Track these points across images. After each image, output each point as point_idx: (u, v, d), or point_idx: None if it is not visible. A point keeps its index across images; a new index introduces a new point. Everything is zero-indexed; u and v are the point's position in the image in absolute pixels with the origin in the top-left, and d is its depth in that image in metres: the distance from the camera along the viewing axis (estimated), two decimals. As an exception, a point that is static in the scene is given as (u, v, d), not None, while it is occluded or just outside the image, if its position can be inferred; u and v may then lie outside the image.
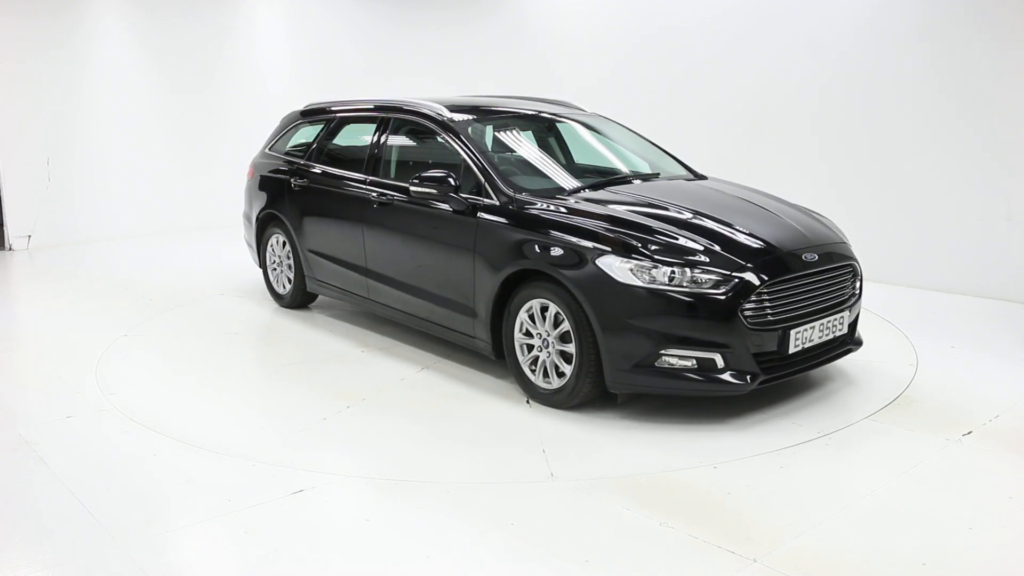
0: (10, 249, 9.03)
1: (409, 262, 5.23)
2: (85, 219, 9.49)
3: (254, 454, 3.95)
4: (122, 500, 3.53)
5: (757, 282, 4.06)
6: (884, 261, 7.13)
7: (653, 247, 4.14)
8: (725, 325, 4.00)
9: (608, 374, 4.17)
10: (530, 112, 5.68)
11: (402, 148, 5.66)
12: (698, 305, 4.00)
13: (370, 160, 5.66)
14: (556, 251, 4.30)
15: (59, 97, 9.17)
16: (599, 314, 4.12)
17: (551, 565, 3.02)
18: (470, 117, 5.34)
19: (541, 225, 4.44)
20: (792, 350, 4.19)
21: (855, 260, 4.60)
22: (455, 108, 5.43)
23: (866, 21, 7.06)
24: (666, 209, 4.53)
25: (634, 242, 4.17)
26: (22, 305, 7.14)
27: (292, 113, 6.81)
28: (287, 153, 6.53)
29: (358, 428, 4.30)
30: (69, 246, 9.24)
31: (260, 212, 6.58)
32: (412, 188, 5.00)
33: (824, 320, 4.33)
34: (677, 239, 4.21)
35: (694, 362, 4.04)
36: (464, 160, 4.96)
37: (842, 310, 4.44)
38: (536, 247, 4.39)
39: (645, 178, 5.26)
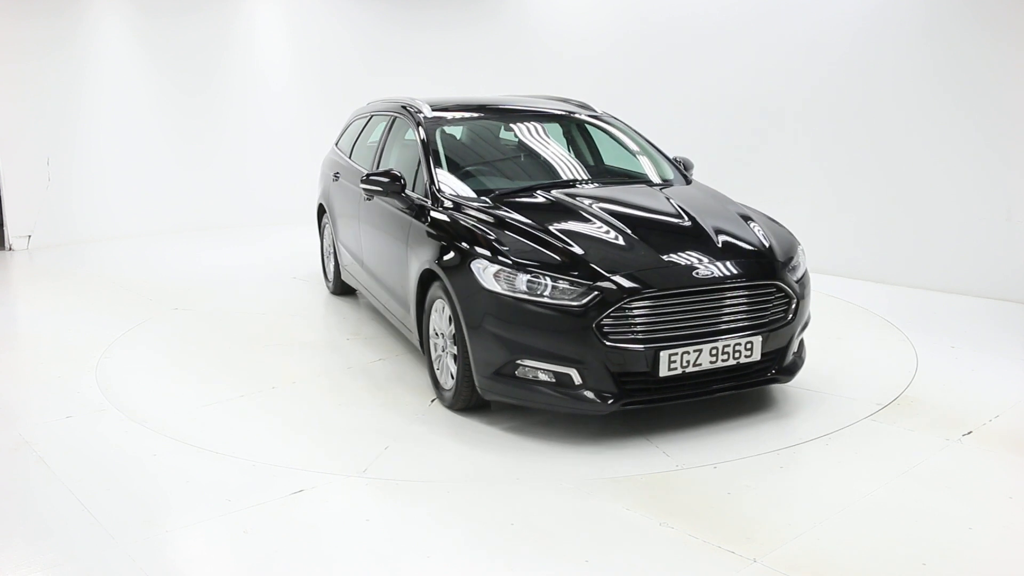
0: (10, 249, 9.02)
1: (381, 257, 5.39)
2: (85, 219, 9.49)
3: (254, 454, 3.95)
4: (122, 500, 3.53)
5: (618, 296, 3.80)
6: (884, 261, 7.14)
7: (518, 253, 4.03)
8: (579, 340, 3.79)
9: (476, 379, 4.11)
10: (524, 113, 5.64)
11: (398, 145, 5.70)
12: (552, 316, 3.82)
13: (374, 157, 5.88)
14: (445, 252, 4.31)
15: (59, 97, 9.17)
16: (467, 317, 4.06)
17: (551, 565, 3.02)
18: (452, 116, 5.42)
19: (443, 225, 4.48)
20: (666, 373, 3.85)
21: (782, 281, 4.13)
22: (442, 107, 5.51)
23: (866, 19, 7.06)
24: (577, 215, 4.39)
25: (502, 247, 4.08)
26: (22, 305, 7.14)
27: (355, 110, 7.07)
28: (340, 149, 6.84)
29: (253, 408, 4.55)
30: (69, 246, 9.24)
31: (318, 204, 7.08)
32: (361, 185, 5.14)
33: (719, 344, 3.93)
34: (552, 247, 4.05)
35: (552, 376, 3.89)
36: (419, 158, 5.09)
37: (750, 334, 4.01)
38: (433, 247, 4.43)
39: (603, 181, 5.12)
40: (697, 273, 3.95)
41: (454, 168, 5.09)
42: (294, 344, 5.67)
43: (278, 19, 10.70)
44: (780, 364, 4.22)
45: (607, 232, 4.22)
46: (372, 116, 6.37)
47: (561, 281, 3.87)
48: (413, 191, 5.00)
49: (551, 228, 4.22)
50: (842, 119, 7.32)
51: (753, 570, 2.96)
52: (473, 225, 4.34)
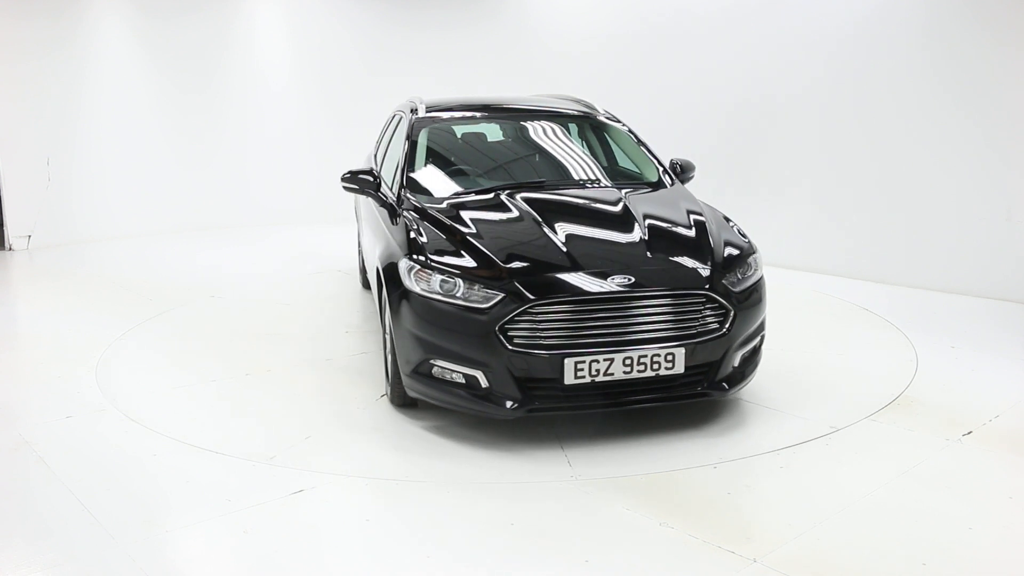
0: (10, 249, 9.02)
1: (366, 252, 5.55)
2: (85, 219, 9.49)
3: (254, 454, 3.95)
4: (122, 500, 3.53)
5: (522, 300, 3.76)
6: (885, 261, 7.14)
7: (438, 254, 4.08)
8: (483, 342, 3.78)
9: (402, 376, 4.16)
10: (521, 114, 5.61)
11: (398, 144, 5.72)
12: (461, 318, 3.84)
13: (383, 155, 5.98)
14: (388, 249, 4.40)
15: (59, 97, 9.16)
16: (393, 314, 4.16)
17: (551, 565, 3.02)
18: (444, 116, 5.49)
19: (395, 224, 4.58)
20: (572, 381, 3.76)
21: (714, 291, 3.95)
22: (440, 108, 5.58)
23: (866, 17, 7.06)
24: (518, 219, 4.37)
25: (426, 247, 4.15)
26: (22, 305, 7.14)
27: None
28: (376, 146, 6.96)
29: (209, 394, 4.77)
30: (69, 246, 9.24)
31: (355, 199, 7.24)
32: (342, 183, 5.19)
33: (633, 354, 3.79)
34: (474, 249, 4.06)
35: (462, 377, 3.90)
36: (399, 157, 5.20)
37: (671, 345, 3.85)
38: (386, 245, 4.52)
39: (573, 184, 5.03)
40: (613, 280, 3.86)
41: (430, 168, 5.15)
42: (290, 337, 5.74)
43: (278, 19, 10.70)
44: (712, 379, 4.02)
45: (537, 237, 4.19)
46: (395, 115, 6.44)
47: (471, 283, 3.89)
48: (391, 190, 5.07)
49: (482, 231, 4.24)
50: (842, 118, 7.32)
51: (753, 570, 2.96)
52: (414, 225, 4.42)
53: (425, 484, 3.65)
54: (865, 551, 3.07)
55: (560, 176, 5.20)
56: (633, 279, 3.88)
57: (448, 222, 4.38)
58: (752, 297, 4.16)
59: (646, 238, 4.21)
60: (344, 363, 5.20)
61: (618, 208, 4.57)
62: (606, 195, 4.82)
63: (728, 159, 8.11)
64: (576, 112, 5.73)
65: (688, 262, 4.09)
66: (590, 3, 9.27)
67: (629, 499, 3.47)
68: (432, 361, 3.95)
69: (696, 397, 4.05)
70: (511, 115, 5.64)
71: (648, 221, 4.38)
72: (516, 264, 3.95)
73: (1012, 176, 6.39)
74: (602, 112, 5.76)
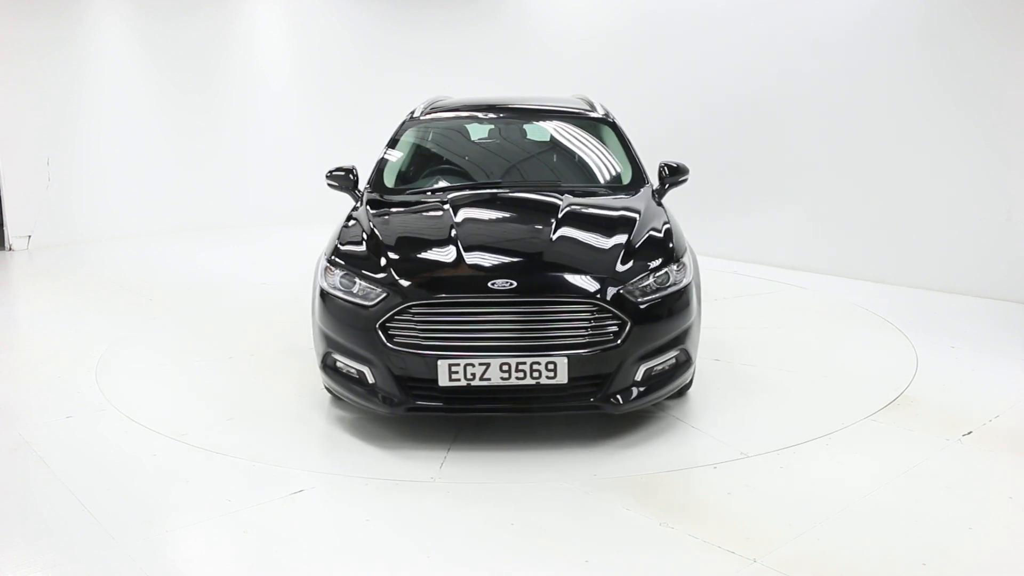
0: (10, 249, 9.02)
1: None
2: (85, 219, 9.49)
3: (254, 454, 3.95)
4: (122, 500, 3.53)
5: (402, 299, 3.78)
6: (885, 261, 7.14)
7: (344, 252, 4.20)
8: (366, 339, 3.84)
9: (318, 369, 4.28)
10: (519, 115, 5.56)
11: None
12: (351, 314, 3.93)
13: None
14: (328, 246, 4.49)
15: (59, 97, 9.17)
16: (312, 308, 4.28)
17: (551, 565, 3.02)
18: (439, 116, 5.51)
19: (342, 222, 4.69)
20: (447, 383, 3.71)
21: (602, 301, 3.74)
22: (441, 108, 5.58)
23: (865, 17, 7.07)
24: (439, 218, 4.39)
25: (339, 245, 4.27)
26: (22, 305, 7.14)
27: None
28: None
29: (183, 377, 5.02)
30: (69, 246, 9.24)
31: None
32: (326, 180, 5.24)
33: (511, 360, 3.67)
34: (379, 248, 4.12)
35: (356, 372, 3.97)
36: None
37: (553, 354, 3.69)
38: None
39: (534, 184, 4.99)
40: (495, 284, 3.77)
41: (401, 168, 5.22)
42: (287, 330, 5.78)
43: (278, 19, 10.70)
44: (604, 391, 3.80)
45: (442, 237, 4.17)
46: None
47: (364, 281, 3.97)
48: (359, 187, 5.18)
49: (393, 230, 4.36)
50: (841, 118, 7.32)
51: (753, 570, 2.96)
52: (347, 223, 4.53)
53: (426, 484, 3.65)
54: (865, 551, 3.07)
55: (524, 178, 5.19)
56: (516, 284, 3.77)
57: (370, 219, 4.46)
58: (667, 308, 3.92)
59: (552, 242, 4.07)
60: (310, 357, 5.19)
61: (546, 211, 4.41)
62: (548, 197, 4.66)
63: (728, 159, 8.11)
64: (572, 112, 5.62)
65: (586, 268, 3.90)
66: (590, 3, 9.27)
67: (629, 499, 3.47)
68: (333, 355, 4.06)
69: (584, 410, 3.87)
70: (507, 116, 5.59)
71: (567, 225, 4.23)
72: (402, 264, 3.99)
73: (1012, 176, 6.39)
74: (600, 111, 5.62)
